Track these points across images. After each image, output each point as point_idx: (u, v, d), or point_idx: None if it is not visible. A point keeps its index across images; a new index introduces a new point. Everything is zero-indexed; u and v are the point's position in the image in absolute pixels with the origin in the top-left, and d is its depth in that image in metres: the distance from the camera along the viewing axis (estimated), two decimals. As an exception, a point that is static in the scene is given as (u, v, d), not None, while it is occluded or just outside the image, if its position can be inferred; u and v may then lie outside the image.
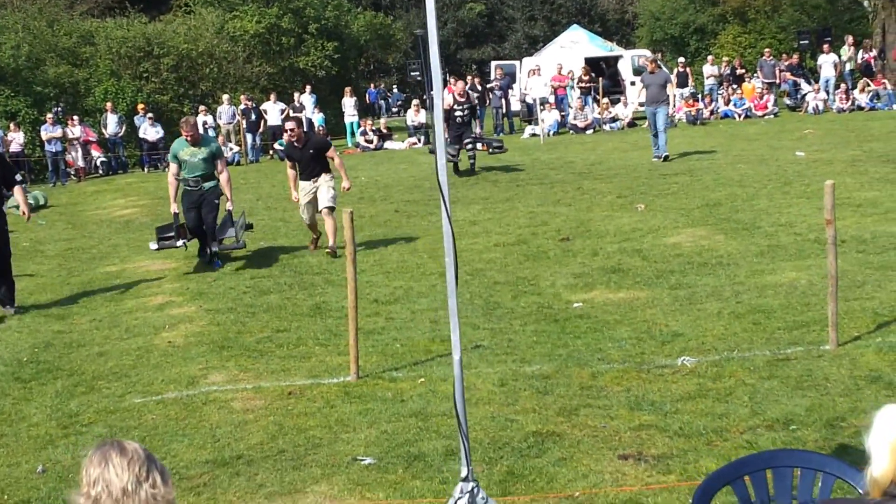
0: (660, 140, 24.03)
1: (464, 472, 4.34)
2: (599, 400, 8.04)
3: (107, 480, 3.06)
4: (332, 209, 14.90)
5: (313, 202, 15.11)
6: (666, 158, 23.49)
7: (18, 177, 11.68)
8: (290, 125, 15.50)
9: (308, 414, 8.17)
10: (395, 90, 54.89)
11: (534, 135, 33.89)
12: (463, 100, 23.83)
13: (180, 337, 11.14)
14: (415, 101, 36.96)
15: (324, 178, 15.09)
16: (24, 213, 13.90)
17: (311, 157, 15.07)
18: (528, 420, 7.57)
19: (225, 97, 35.55)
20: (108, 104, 33.93)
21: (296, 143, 15.18)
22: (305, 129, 16.96)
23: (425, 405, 8.22)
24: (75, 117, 32.67)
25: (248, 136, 34.19)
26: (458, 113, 23.14)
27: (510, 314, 11.06)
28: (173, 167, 14.85)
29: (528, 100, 37.24)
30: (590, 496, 6.18)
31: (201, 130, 34.23)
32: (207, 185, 14.70)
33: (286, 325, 11.07)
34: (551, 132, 33.71)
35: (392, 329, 10.78)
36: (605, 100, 36.63)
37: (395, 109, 49.57)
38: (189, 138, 14.44)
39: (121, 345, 10.99)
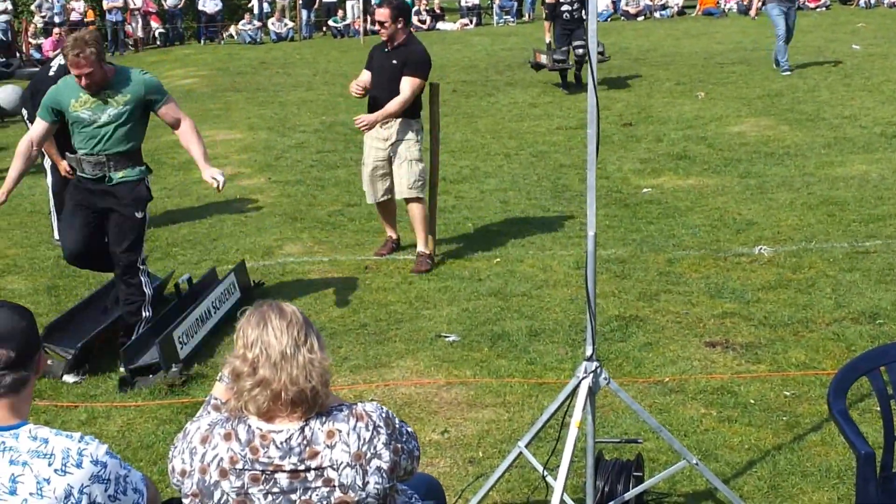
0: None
1: (588, 351, 4.32)
2: (679, 286, 8.01)
3: (265, 343, 2.99)
4: (419, 199, 8.96)
5: (382, 175, 9.03)
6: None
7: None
8: (382, 13, 8.87)
9: (387, 289, 8.20)
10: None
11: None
12: None
13: (253, 208, 11.18)
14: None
15: (404, 134, 8.86)
16: None
17: (392, 76, 8.78)
18: (609, 304, 7.56)
19: (281, -30, 35.17)
20: (168, -26, 33.69)
21: (386, 48, 8.90)
22: (412, 31, 9.40)
23: (503, 285, 8.22)
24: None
25: (304, 12, 33.89)
26: (565, 7, 17.90)
27: (579, 197, 10.98)
28: (38, 127, 7.20)
29: None
30: (679, 382, 6.18)
31: (256, 5, 34.27)
32: (119, 174, 7.08)
33: (356, 199, 11.05)
34: (605, 18, 33.27)
35: (463, 208, 10.77)
36: None
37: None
38: (84, 80, 6.73)
39: (194, 214, 11.05)
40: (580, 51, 17.35)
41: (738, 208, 10.34)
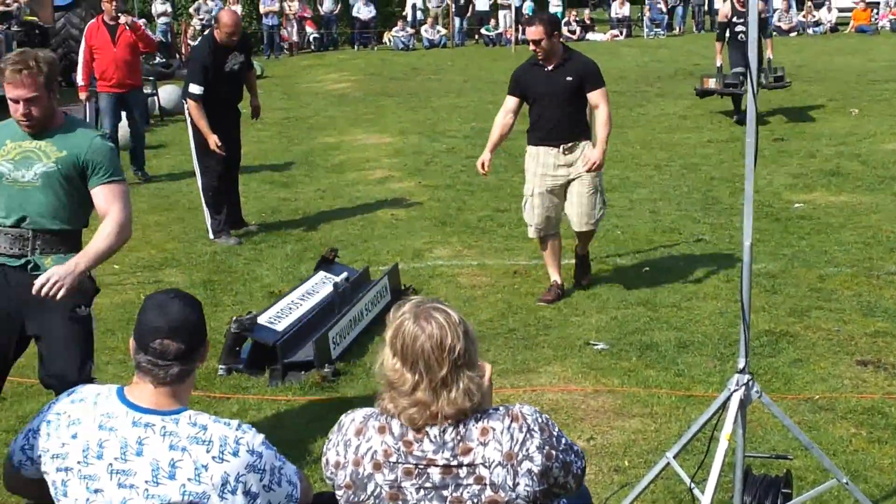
0: None
1: (741, 364, 4.30)
2: (830, 303, 7.89)
3: (426, 363, 2.92)
4: (593, 232, 8.46)
5: (555, 205, 8.16)
6: None
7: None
8: (536, 31, 7.89)
9: (536, 294, 8.24)
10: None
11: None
12: (745, 9, 15.87)
13: (403, 211, 11.34)
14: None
15: (584, 152, 7.98)
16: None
17: (569, 94, 7.98)
18: (759, 318, 7.47)
19: (434, -22, 35.54)
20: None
21: (539, 60, 8.04)
22: (563, 42, 8.45)
23: (652, 295, 8.20)
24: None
25: (456, 20, 34.19)
26: (739, 28, 16.29)
27: (729, 210, 10.90)
28: None
29: None
30: (829, 400, 6.09)
31: (409, 13, 34.80)
32: (49, 259, 4.95)
33: (505, 205, 11.13)
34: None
35: (612, 216, 10.73)
36: (809, 3, 35.91)
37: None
38: (23, 107, 4.86)
39: (345, 215, 11.25)
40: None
41: (891, 227, 10.12)
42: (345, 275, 8.08)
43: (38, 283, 4.60)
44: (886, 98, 17.97)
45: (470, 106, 18.87)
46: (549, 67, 7.98)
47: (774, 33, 33.05)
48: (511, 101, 8.20)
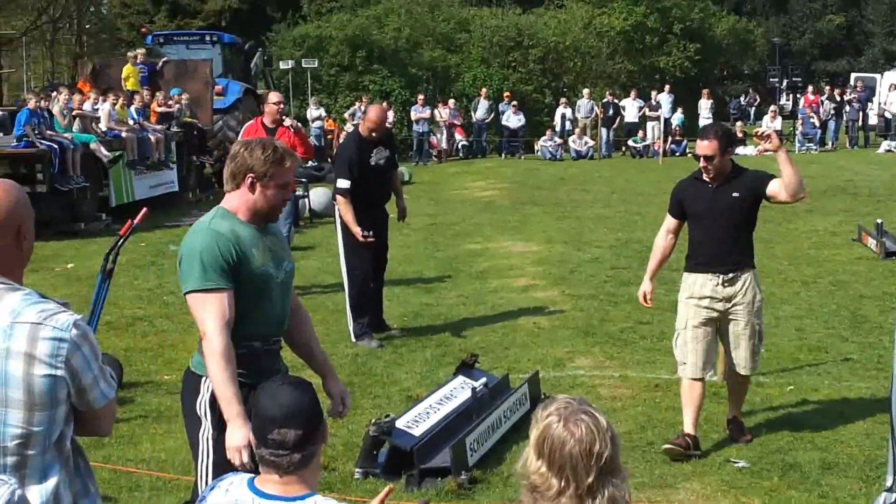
0: None
1: (889, 482, 4.20)
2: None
3: (573, 469, 2.84)
4: (747, 383, 7.72)
5: (710, 342, 7.34)
6: None
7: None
8: (709, 146, 7.09)
9: (675, 408, 8.09)
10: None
11: (889, 150, 32.69)
12: None
13: (545, 319, 11.34)
14: (772, 107, 36.21)
15: (753, 290, 7.33)
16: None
17: (736, 213, 7.27)
18: (907, 442, 7.24)
19: (585, 91, 35.92)
20: (483, 90, 34.95)
21: (710, 184, 7.25)
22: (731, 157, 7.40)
23: (796, 413, 8.03)
24: (451, 101, 33.94)
25: (604, 131, 34.41)
26: None
27: (878, 329, 10.61)
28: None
29: (888, 114, 36.03)
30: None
31: (558, 123, 35.06)
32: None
33: (648, 317, 11.02)
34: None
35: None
36: None
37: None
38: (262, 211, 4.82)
39: (487, 321, 11.29)
40: None
41: None
42: (483, 380, 8.09)
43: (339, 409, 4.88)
44: None
45: (616, 217, 18.89)
46: (713, 185, 7.22)
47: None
48: (671, 222, 7.53)
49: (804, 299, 12.22)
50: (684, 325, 7.28)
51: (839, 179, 24.72)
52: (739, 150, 33.79)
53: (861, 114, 36.32)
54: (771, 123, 35.11)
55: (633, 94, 35.99)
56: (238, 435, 4.30)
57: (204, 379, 4.60)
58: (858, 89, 37.44)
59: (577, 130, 34.27)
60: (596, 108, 34.67)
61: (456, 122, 34.06)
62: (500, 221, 18.72)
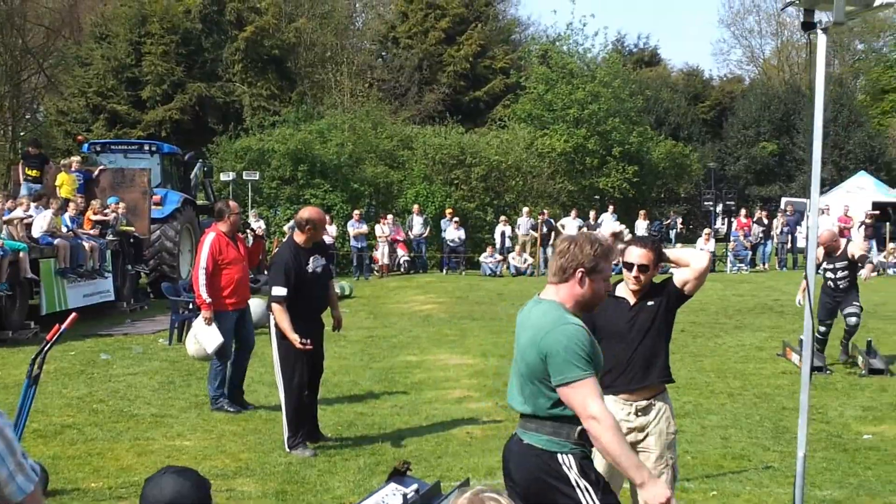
0: None
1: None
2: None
3: None
4: None
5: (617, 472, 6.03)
6: None
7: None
8: (644, 255, 6.65)
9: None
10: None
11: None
12: (838, 254, 15.54)
13: (478, 429, 11.34)
14: (706, 230, 36.88)
15: (665, 416, 6.79)
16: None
17: (655, 330, 6.78)
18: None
19: (525, 209, 36.40)
20: (416, 206, 35.32)
21: (632, 286, 6.76)
22: None
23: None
24: (389, 216, 34.20)
25: (542, 250, 34.80)
26: (829, 275, 15.58)
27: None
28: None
29: None
30: None
31: (498, 240, 35.10)
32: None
33: (583, 426, 11.10)
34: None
35: (683, 442, 10.65)
36: (892, 245, 36.66)
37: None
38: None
39: (421, 431, 11.27)
40: (853, 319, 15.24)
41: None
42: (415, 486, 8.04)
43: None
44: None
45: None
46: (635, 299, 6.75)
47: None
48: None
49: (730, 410, 12.41)
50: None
51: (767, 298, 25.32)
52: (673, 269, 34.42)
53: (790, 237, 37.28)
54: (705, 245, 35.72)
55: (573, 213, 36.48)
56: (660, 489, 4.72)
57: (561, 455, 4.95)
58: (788, 213, 38.40)
59: (517, 248, 34.64)
60: (535, 226, 35.07)
61: (399, 237, 34.25)
62: (438, 334, 18.77)
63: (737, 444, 10.77)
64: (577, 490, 4.90)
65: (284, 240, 13.04)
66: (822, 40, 5.11)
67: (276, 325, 10.28)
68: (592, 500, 4.89)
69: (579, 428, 4.90)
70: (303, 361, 10.30)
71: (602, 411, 4.75)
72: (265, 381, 12.94)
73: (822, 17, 5.11)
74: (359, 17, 61.01)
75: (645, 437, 6.64)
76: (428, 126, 43.66)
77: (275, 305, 10.24)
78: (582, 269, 5.05)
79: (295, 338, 9.99)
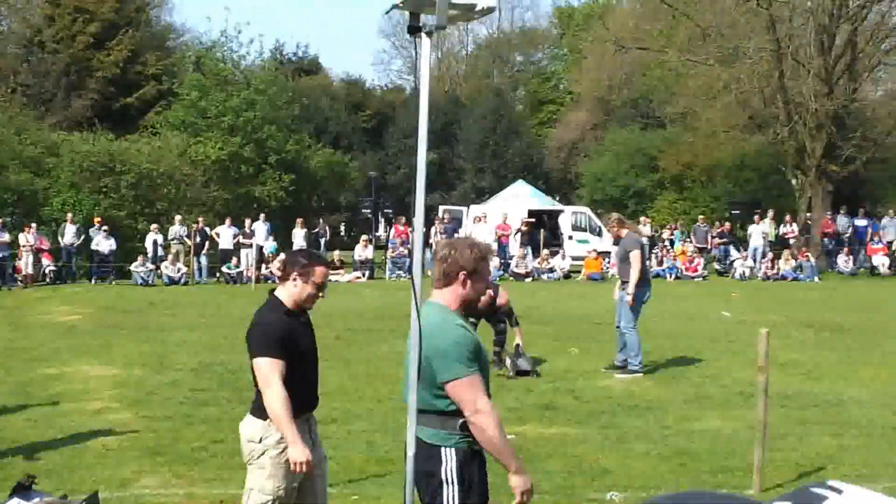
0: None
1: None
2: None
3: None
4: None
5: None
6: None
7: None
8: (323, 273, 6.49)
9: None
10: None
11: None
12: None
13: (115, 441, 11.15)
14: (364, 237, 37.59)
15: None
16: None
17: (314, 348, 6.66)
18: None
19: (177, 217, 35.99)
20: (70, 215, 34.24)
21: (302, 315, 6.57)
22: None
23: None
24: (32, 225, 32.89)
25: (195, 258, 34.57)
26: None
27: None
28: None
29: None
30: None
31: (150, 248, 34.57)
32: None
33: (223, 436, 11.10)
34: (494, 278, 34.37)
35: (328, 448, 10.85)
36: (546, 251, 38.28)
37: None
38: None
39: (55, 444, 10.96)
40: (500, 326, 15.97)
41: (595, 456, 10.62)
42: (37, 500, 7.87)
43: None
44: (606, 339, 18.80)
45: (201, 340, 18.87)
46: (303, 318, 6.54)
47: (511, 278, 34.82)
48: (281, 365, 6.17)
49: (377, 415, 12.67)
50: (274, 490, 6.27)
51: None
52: (333, 276, 34.84)
53: (449, 244, 38.57)
54: (363, 252, 36.44)
55: (227, 221, 36.30)
56: (528, 477, 5.34)
57: (444, 448, 5.23)
58: (446, 221, 39.75)
59: (169, 256, 34.13)
60: (189, 234, 34.73)
61: (43, 246, 33.02)
62: (81, 346, 18.24)
63: (381, 448, 11.01)
64: (445, 485, 5.20)
65: None
66: (426, 43, 5.37)
67: None
68: (453, 499, 5.22)
69: (461, 421, 5.20)
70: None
71: (488, 406, 5.18)
72: None
73: (426, 20, 5.36)
74: (3, 21, 58.22)
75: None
76: (76, 133, 42.24)
77: None
78: (464, 272, 5.45)
79: None
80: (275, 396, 5.99)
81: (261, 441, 6.21)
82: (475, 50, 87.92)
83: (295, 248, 36.44)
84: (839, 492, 0.77)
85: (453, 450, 5.26)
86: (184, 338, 19.42)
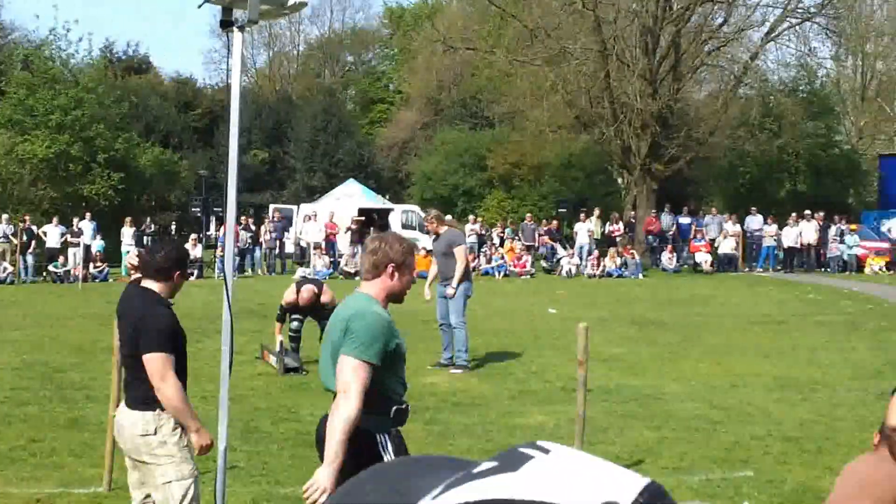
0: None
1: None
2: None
3: None
4: None
5: None
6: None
7: None
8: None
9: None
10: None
11: (304, 277, 34.59)
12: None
13: (-71, 443, 10.94)
14: (193, 236, 37.29)
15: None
16: None
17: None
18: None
19: (4, 216, 35.13)
20: None
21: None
22: None
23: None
24: None
25: (21, 257, 33.88)
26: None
27: (268, 438, 11.31)
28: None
29: (303, 243, 38.97)
30: None
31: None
32: None
33: (42, 435, 10.99)
34: (323, 276, 34.40)
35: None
36: None
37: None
38: None
39: None
40: (295, 324, 16.31)
41: (417, 452, 10.81)
42: None
43: None
44: (433, 338, 18.88)
45: (26, 340, 18.50)
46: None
47: (341, 277, 34.85)
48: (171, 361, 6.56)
49: (202, 413, 12.48)
50: (192, 472, 6.62)
51: (252, 303, 25.85)
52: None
53: (278, 242, 38.67)
54: (192, 250, 36.09)
55: (55, 220, 35.68)
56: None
57: (379, 435, 5.60)
58: (276, 219, 39.70)
59: (-5, 256, 33.38)
60: (15, 233, 33.98)
61: None
62: None
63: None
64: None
65: None
66: (237, 38, 5.48)
67: None
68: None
69: (395, 408, 5.64)
70: None
71: (359, 392, 5.32)
72: None
73: (238, 15, 5.44)
74: None
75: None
76: None
77: None
78: (393, 265, 5.69)
79: None
80: (173, 390, 6.31)
81: (156, 432, 6.37)
82: (307, 49, 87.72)
83: (124, 246, 35.93)
84: (546, 451, 0.91)
85: (387, 435, 5.72)
86: (7, 337, 19.04)
